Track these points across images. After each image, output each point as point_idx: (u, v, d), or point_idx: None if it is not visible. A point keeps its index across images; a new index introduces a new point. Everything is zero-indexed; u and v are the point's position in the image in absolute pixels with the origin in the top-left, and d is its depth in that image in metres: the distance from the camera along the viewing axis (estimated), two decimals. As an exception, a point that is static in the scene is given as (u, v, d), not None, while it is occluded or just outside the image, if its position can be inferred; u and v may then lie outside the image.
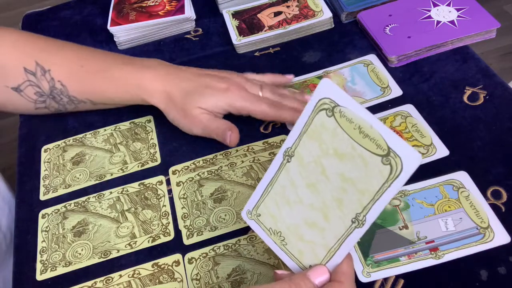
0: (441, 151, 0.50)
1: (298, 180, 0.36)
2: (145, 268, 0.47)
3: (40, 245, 0.50)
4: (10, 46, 0.56)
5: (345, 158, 0.32)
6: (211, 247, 0.47)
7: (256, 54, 0.65)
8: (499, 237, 0.43)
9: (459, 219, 0.45)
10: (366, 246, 0.45)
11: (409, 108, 0.55)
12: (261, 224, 0.39)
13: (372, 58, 0.61)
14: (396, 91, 0.57)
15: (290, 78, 0.58)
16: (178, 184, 0.53)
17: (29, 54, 0.56)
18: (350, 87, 0.58)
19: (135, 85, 0.54)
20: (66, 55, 0.57)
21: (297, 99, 0.55)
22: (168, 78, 0.54)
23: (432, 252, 0.43)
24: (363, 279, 0.43)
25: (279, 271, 0.38)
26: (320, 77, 0.60)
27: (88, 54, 0.57)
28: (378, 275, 0.43)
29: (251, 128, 0.56)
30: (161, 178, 0.54)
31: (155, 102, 0.54)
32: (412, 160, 0.30)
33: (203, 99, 0.52)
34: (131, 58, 0.58)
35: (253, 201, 0.39)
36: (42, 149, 0.59)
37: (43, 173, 0.56)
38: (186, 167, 0.54)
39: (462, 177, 0.48)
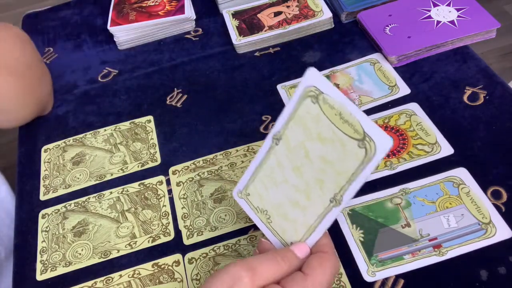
0: (446, 149, 0.50)
1: (285, 162, 0.38)
2: (145, 268, 0.47)
3: (40, 245, 0.50)
4: None
5: (326, 142, 0.35)
6: (211, 247, 0.47)
7: (256, 54, 0.65)
8: (501, 232, 0.44)
9: (461, 216, 0.45)
10: (369, 245, 0.45)
11: (414, 107, 0.55)
12: (250, 203, 0.41)
13: (378, 56, 0.61)
14: (404, 89, 0.57)
15: None
16: (178, 184, 0.53)
17: None
18: (357, 86, 0.58)
19: None
20: None
21: None
22: None
23: (436, 249, 0.43)
24: (368, 278, 0.43)
25: (263, 239, 0.40)
26: (327, 77, 0.60)
27: None
28: (383, 274, 0.43)
29: (251, 128, 0.56)
30: (161, 178, 0.54)
31: None
32: (384, 144, 0.32)
33: None
34: None
35: (244, 181, 0.41)
36: (42, 149, 0.59)
37: (43, 173, 0.56)
38: (186, 167, 0.54)
39: (461, 173, 0.48)
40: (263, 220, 0.40)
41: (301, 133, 0.36)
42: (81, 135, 0.59)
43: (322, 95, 0.35)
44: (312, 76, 0.35)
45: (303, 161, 0.37)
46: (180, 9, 0.69)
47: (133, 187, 0.53)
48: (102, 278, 0.47)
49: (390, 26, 0.62)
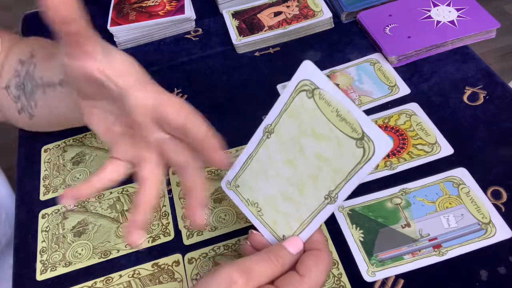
0: (446, 149, 0.50)
1: (277, 155, 0.37)
2: (145, 268, 0.47)
3: (40, 245, 0.50)
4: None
5: (322, 139, 0.34)
6: (211, 247, 0.47)
7: (256, 54, 0.65)
8: (501, 232, 0.44)
9: (461, 216, 0.45)
10: (369, 245, 0.45)
11: (414, 107, 0.55)
12: (239, 195, 0.41)
13: (378, 56, 0.61)
14: (404, 89, 0.57)
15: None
16: (178, 184, 0.53)
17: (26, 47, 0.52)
18: (357, 86, 0.58)
19: None
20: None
21: None
22: None
23: (436, 249, 0.43)
24: (368, 278, 0.43)
25: (255, 232, 0.40)
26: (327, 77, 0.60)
27: None
28: (382, 274, 0.43)
29: (251, 128, 0.56)
30: (161, 178, 0.54)
31: None
32: (384, 145, 0.32)
33: None
34: None
35: (233, 172, 0.41)
36: (42, 149, 0.59)
37: (43, 173, 0.56)
38: (186, 167, 0.54)
39: (461, 173, 0.48)
40: (254, 213, 0.40)
41: (295, 127, 0.36)
42: (81, 135, 0.59)
43: (318, 90, 0.34)
44: (308, 70, 0.35)
45: (296, 156, 0.36)
46: (180, 9, 0.69)
47: (133, 187, 0.53)
48: (102, 278, 0.47)
49: (390, 26, 0.62)
